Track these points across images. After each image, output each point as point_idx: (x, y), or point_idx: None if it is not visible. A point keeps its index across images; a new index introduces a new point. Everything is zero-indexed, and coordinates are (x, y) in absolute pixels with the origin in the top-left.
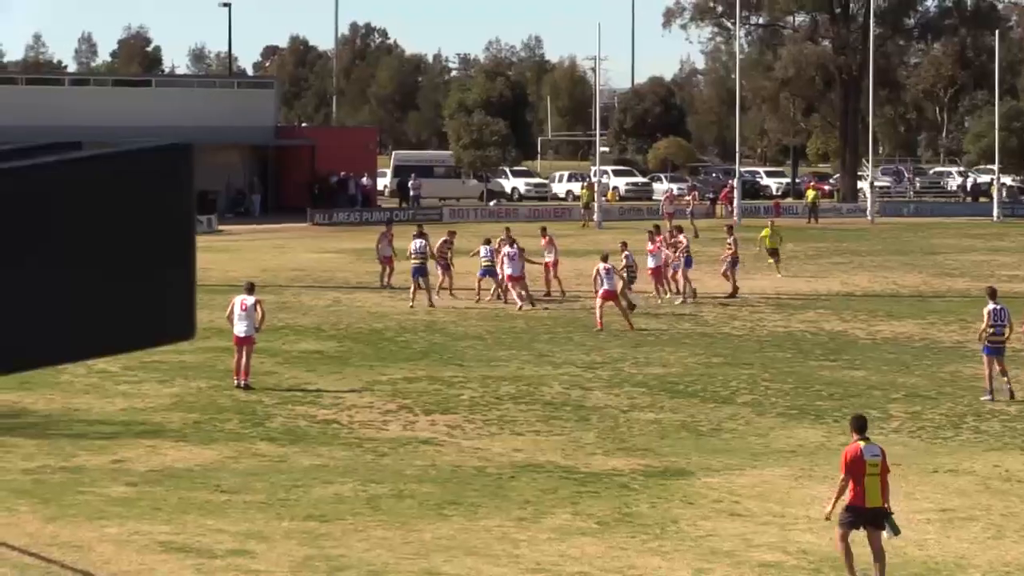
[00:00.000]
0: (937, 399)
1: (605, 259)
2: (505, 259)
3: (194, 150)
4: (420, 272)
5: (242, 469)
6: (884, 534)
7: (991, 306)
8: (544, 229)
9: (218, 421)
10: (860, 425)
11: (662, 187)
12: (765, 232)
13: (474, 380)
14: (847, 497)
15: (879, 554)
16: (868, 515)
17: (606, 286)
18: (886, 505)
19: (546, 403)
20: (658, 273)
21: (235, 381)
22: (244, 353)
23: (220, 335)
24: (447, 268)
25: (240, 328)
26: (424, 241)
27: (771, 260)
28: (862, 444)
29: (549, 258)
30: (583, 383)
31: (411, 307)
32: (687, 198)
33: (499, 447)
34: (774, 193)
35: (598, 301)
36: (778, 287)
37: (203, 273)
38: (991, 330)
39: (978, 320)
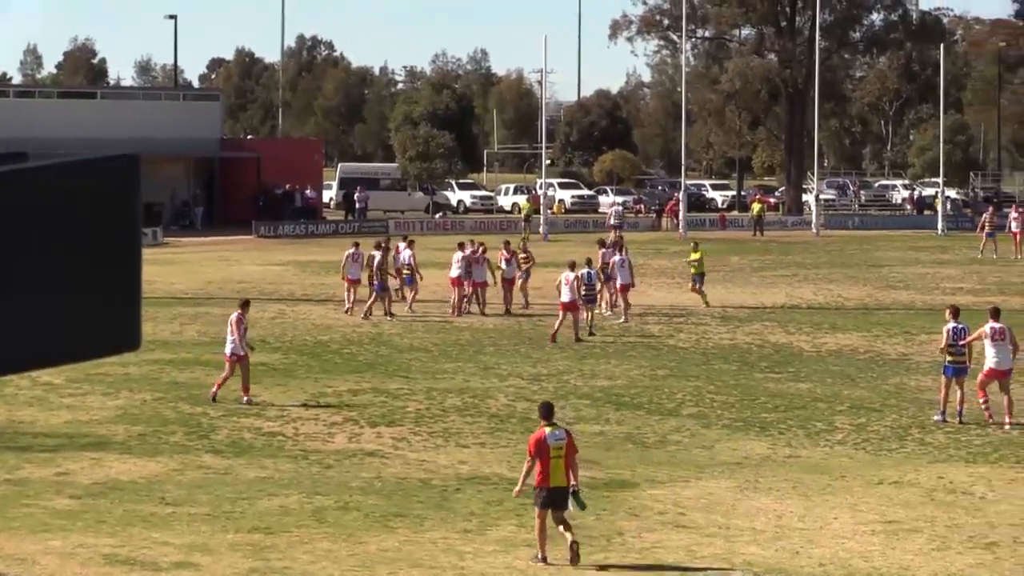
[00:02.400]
0: (882, 411)
1: (572, 267)
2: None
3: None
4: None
5: (187, 481)
6: (571, 508)
7: (951, 324)
8: (507, 243)
9: (163, 433)
10: (547, 412)
11: (608, 200)
12: (696, 255)
13: (420, 392)
14: (535, 479)
15: (566, 525)
16: (553, 493)
17: (564, 298)
18: (574, 485)
19: (492, 415)
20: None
21: (213, 392)
22: (230, 370)
23: (164, 348)
24: (410, 282)
25: (227, 346)
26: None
27: (697, 288)
28: (548, 429)
29: (505, 272)
30: (529, 395)
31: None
32: (610, 209)
33: (445, 459)
34: (720, 206)
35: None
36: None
37: (148, 286)
38: (951, 349)
39: (937, 337)
